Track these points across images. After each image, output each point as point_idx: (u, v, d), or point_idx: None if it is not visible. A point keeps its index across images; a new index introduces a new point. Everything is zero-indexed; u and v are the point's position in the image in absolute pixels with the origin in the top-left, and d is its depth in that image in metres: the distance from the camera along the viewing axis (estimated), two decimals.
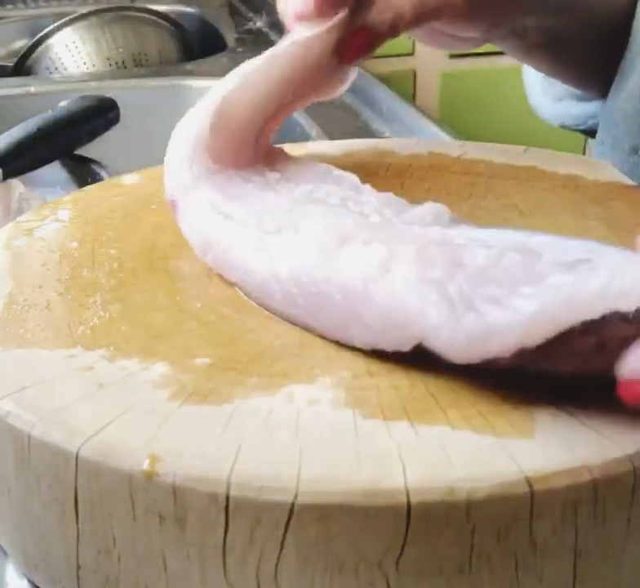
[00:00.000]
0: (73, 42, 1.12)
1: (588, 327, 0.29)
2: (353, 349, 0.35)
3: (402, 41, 1.67)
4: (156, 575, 0.31)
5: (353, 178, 0.43)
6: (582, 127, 0.67)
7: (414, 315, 0.32)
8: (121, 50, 1.13)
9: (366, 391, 0.33)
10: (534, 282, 0.31)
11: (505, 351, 0.30)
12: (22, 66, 1.14)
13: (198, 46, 1.21)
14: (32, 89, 1.02)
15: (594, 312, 0.29)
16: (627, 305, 0.28)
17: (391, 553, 0.29)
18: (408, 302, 0.33)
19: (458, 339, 0.31)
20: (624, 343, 0.29)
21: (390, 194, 0.41)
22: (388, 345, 0.34)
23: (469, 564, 0.29)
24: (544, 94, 0.69)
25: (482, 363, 0.31)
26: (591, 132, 0.65)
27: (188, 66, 1.13)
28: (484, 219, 0.45)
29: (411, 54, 1.65)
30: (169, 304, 0.39)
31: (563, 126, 0.68)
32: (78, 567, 0.33)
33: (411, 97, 1.63)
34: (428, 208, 0.38)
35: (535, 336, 0.30)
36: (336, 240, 0.36)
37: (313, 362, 0.35)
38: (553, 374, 0.31)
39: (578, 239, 0.33)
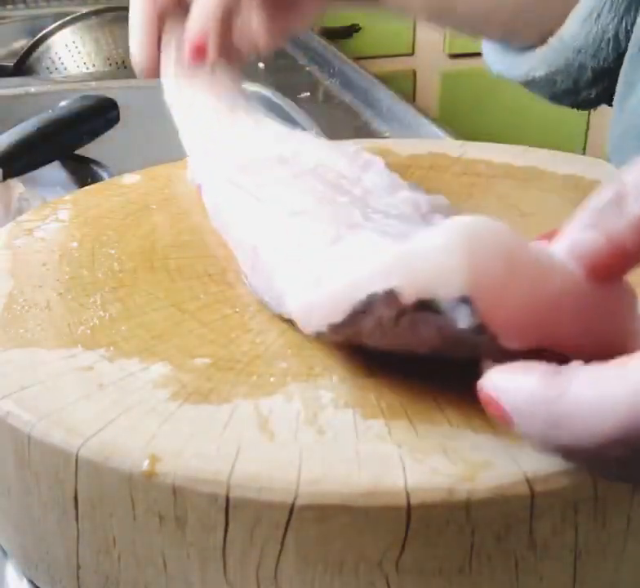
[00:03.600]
0: (73, 42, 1.12)
1: (366, 307, 0.30)
2: (352, 349, 0.35)
3: (402, 40, 1.67)
4: (156, 575, 0.31)
5: (372, 158, 0.45)
6: (520, 79, 0.67)
7: (285, 287, 0.36)
8: (121, 50, 1.13)
9: (366, 391, 0.33)
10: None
11: (321, 326, 0.32)
12: (22, 66, 1.14)
13: None
14: (32, 89, 1.02)
15: (362, 293, 0.30)
16: (381, 286, 0.29)
17: (391, 553, 0.29)
18: (283, 275, 0.36)
19: (297, 312, 0.34)
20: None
21: (395, 177, 0.43)
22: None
23: (469, 564, 0.29)
24: (493, 45, 0.69)
25: (319, 335, 0.33)
26: (530, 84, 0.65)
27: None
28: None
29: (411, 54, 1.65)
30: (169, 304, 0.39)
31: (501, 77, 0.67)
32: (78, 567, 0.33)
33: (411, 97, 1.63)
34: (406, 197, 0.41)
35: (336, 314, 0.32)
36: (289, 214, 0.39)
37: (312, 362, 0.35)
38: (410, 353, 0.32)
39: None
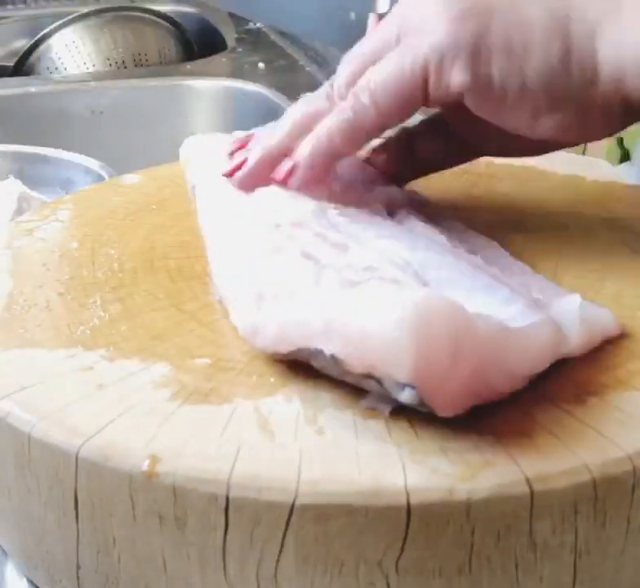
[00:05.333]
0: (73, 42, 1.12)
1: (311, 355, 0.32)
2: None
3: None
4: (156, 575, 0.31)
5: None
6: None
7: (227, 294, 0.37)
8: (121, 50, 1.13)
9: (366, 391, 0.33)
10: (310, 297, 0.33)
11: (267, 348, 0.34)
12: (22, 66, 1.13)
13: (198, 46, 1.21)
14: (32, 89, 1.02)
15: (309, 343, 0.32)
16: (328, 348, 0.31)
17: (391, 553, 0.29)
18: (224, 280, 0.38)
19: (242, 331, 0.35)
20: None
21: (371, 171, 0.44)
22: None
23: (469, 564, 0.29)
24: None
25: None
26: None
27: (188, 66, 1.13)
28: (484, 218, 0.45)
29: None
30: (169, 304, 0.39)
31: None
32: (78, 568, 0.33)
33: None
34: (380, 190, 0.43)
35: (282, 346, 0.33)
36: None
37: None
38: None
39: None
